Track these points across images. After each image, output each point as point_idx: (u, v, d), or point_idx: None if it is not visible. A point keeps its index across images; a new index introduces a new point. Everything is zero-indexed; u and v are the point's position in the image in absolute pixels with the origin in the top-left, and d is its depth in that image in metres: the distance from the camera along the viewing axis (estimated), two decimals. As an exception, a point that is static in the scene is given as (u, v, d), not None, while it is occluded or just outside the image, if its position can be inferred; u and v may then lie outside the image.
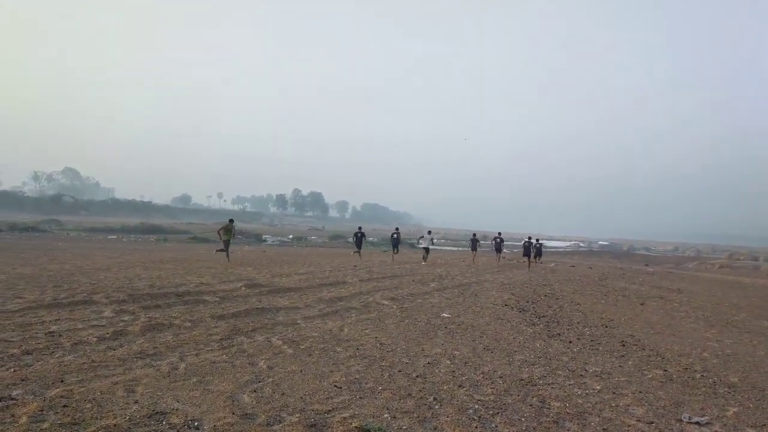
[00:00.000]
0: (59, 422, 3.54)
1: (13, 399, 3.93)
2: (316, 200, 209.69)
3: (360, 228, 24.96)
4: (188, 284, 10.93)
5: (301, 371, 5.23)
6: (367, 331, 7.53)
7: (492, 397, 4.78)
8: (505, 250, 29.60)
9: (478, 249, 27.69)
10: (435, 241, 28.62)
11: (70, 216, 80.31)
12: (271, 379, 4.87)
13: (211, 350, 5.85)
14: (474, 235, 28.86)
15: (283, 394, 4.47)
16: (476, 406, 4.49)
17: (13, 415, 3.62)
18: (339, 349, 6.28)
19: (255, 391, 4.50)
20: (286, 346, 6.23)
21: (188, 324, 7.13)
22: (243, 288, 10.79)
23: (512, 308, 10.90)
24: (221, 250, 18.72)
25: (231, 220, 19.89)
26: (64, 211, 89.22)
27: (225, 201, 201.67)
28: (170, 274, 12.90)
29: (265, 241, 51.44)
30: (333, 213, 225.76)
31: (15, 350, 5.31)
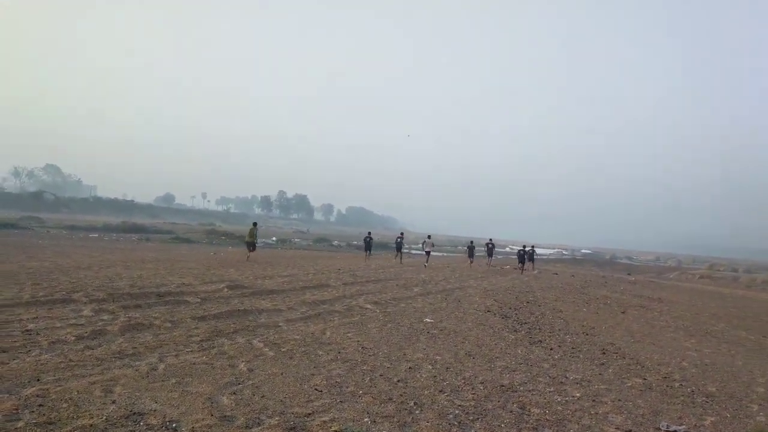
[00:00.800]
0: (34, 421, 3.48)
1: (-14, 398, 3.85)
2: (301, 203, 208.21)
3: (369, 233, 28.06)
4: (169, 284, 10.81)
5: (281, 374, 5.20)
6: (349, 334, 7.51)
7: (472, 403, 4.79)
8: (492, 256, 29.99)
9: (474, 256, 28.14)
10: (434, 245, 29.30)
11: (51, 213, 78.87)
12: (251, 382, 4.83)
13: (191, 351, 5.80)
14: (471, 242, 29.29)
15: (263, 396, 4.44)
16: (456, 412, 4.50)
17: (-15, 414, 3.54)
18: (320, 353, 6.26)
19: (234, 393, 4.46)
20: (267, 349, 6.20)
21: (168, 325, 7.06)
22: (225, 289, 10.69)
23: (495, 314, 10.95)
24: (252, 251, 20.92)
25: (255, 224, 21.68)
26: (44, 208, 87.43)
27: (209, 201, 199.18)
28: (151, 274, 12.75)
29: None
30: (318, 216, 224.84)
31: (-11, 348, 5.21)
